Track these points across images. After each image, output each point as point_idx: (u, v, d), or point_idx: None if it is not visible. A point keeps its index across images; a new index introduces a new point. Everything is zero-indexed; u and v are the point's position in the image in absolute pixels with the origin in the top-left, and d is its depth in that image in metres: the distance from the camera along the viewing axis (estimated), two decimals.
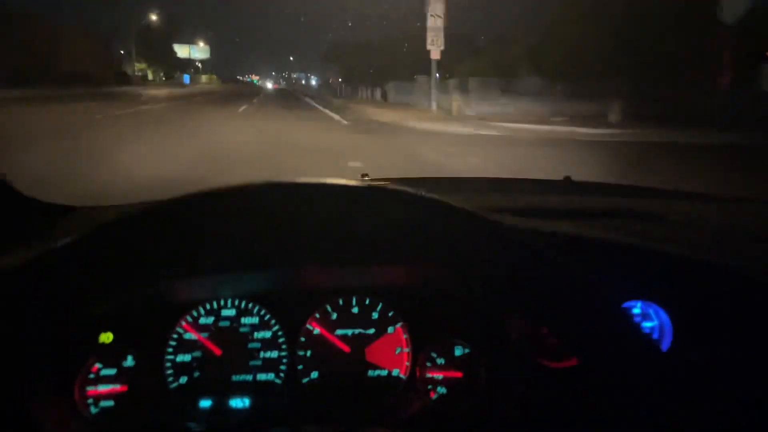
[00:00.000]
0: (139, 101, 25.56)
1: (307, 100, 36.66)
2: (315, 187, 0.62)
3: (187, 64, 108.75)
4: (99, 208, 1.19)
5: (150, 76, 75.10)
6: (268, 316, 1.01)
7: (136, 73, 69.27)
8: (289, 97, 42.97)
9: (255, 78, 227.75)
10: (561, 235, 0.98)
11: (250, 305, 1.01)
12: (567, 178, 1.75)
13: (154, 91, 41.08)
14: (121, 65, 69.09)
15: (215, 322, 1.00)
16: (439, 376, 1.03)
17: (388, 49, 37.34)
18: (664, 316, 0.98)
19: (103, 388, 0.95)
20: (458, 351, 1.03)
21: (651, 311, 1.00)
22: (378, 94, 36.23)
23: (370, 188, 0.63)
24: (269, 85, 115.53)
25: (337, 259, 0.95)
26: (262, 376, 1.00)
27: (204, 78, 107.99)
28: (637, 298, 0.98)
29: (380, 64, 36.64)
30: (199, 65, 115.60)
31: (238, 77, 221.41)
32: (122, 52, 71.20)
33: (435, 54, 19.23)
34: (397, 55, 34.09)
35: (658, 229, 1.19)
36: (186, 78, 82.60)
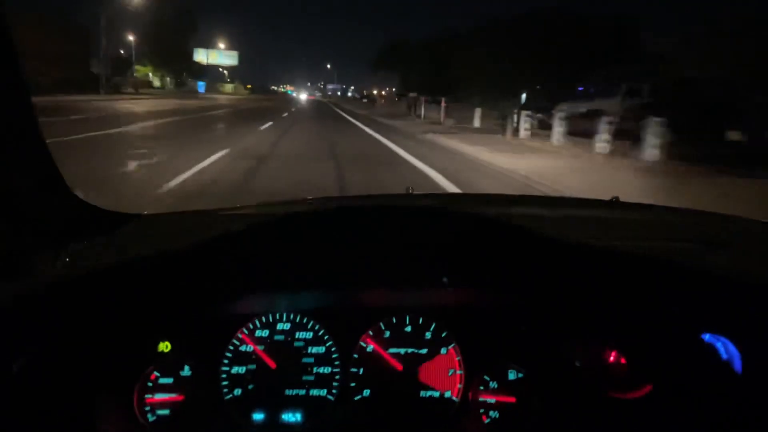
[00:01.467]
0: None
1: (370, 132, 17.06)
2: (377, 209, 0.63)
3: (210, 70, 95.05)
4: (162, 215, 1.17)
5: (157, 83, 60.32)
6: (322, 332, 1.01)
7: (149, 77, 54.54)
8: (329, 119, 25.35)
9: (290, 88, 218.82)
10: (634, 257, 0.89)
11: (305, 320, 1.01)
12: (615, 198, 1.61)
13: (126, 106, 25.08)
14: (127, 68, 54.53)
15: (270, 335, 1.01)
16: (491, 399, 1.01)
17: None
18: (733, 349, 0.93)
19: (160, 397, 0.97)
20: (512, 375, 1.02)
21: (719, 344, 0.95)
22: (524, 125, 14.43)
23: (430, 209, 0.64)
24: (303, 96, 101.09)
25: (393, 280, 0.97)
26: (314, 392, 1.00)
27: (228, 87, 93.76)
28: (710, 330, 0.94)
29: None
30: (225, 72, 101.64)
31: (272, 87, 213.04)
32: (122, 52, 56.69)
33: None
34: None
35: (723, 255, 1.09)
36: (200, 86, 67.48)
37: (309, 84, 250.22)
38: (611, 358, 0.92)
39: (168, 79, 61.42)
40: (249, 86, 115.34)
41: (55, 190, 0.95)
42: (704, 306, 0.89)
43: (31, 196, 0.89)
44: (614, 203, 1.46)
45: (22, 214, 0.87)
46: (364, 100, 67.42)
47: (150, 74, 58.76)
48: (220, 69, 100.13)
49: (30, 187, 0.89)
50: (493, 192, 6.46)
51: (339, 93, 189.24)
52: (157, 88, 58.11)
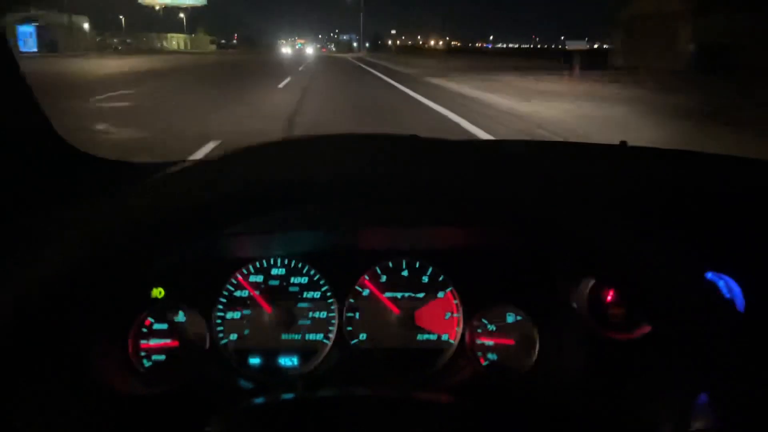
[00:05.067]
0: None
1: None
2: (372, 138, 0.59)
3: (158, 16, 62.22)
4: (155, 164, 1.18)
5: None
6: (317, 276, 1.01)
7: None
8: None
9: (300, 41, 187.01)
10: (635, 194, 0.92)
11: (300, 264, 1.01)
12: (623, 143, 1.52)
13: None
14: None
15: (265, 280, 1.01)
16: (490, 342, 1.01)
17: None
18: (736, 289, 0.94)
19: (155, 342, 0.98)
20: (510, 318, 1.02)
21: (722, 282, 0.95)
22: None
23: (429, 141, 0.59)
24: (309, 50, 68.61)
25: (389, 220, 0.96)
26: (310, 336, 1.01)
27: (175, 40, 61.20)
28: (713, 268, 0.94)
29: None
30: (182, 17, 68.75)
31: (281, 41, 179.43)
32: None
33: None
34: None
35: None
36: (23, 36, 28.86)
37: (320, 36, 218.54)
38: (609, 298, 0.93)
39: None
40: (208, 38, 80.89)
41: (46, 137, 0.93)
42: (708, 243, 0.88)
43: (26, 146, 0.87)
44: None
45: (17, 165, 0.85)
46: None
47: None
48: (179, 10, 67.49)
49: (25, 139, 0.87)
50: None
51: (355, 45, 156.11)
52: None
